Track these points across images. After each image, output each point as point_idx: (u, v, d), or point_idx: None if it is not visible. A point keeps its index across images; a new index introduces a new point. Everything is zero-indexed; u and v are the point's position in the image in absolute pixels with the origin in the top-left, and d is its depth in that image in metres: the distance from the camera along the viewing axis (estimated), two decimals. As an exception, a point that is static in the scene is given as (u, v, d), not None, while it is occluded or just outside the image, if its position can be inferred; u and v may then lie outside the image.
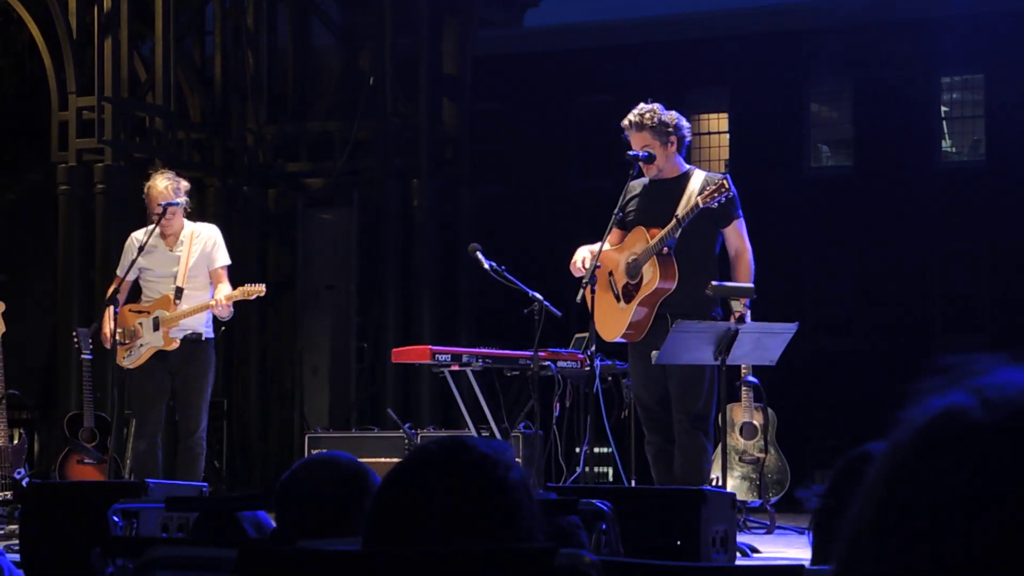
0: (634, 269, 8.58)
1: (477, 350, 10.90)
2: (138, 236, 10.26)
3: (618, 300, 8.66)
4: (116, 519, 5.33)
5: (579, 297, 8.51)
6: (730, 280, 8.57)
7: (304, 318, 17.37)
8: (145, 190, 10.36)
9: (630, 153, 8.69)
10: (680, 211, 8.44)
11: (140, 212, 15.97)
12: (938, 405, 1.23)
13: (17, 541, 8.63)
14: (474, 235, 14.17)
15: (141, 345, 10.09)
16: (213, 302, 10.05)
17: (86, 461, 12.11)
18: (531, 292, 9.74)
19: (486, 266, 9.97)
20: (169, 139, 16.41)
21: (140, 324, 10.10)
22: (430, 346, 10.94)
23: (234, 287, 10.24)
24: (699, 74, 25.17)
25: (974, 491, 1.17)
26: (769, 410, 11.52)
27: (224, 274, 10.26)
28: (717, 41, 25.49)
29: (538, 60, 26.90)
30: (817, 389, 22.72)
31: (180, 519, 5.65)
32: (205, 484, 8.59)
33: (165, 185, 10.21)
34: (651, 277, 8.50)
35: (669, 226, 8.44)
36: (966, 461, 1.18)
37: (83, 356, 12.11)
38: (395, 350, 11.26)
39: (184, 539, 5.13)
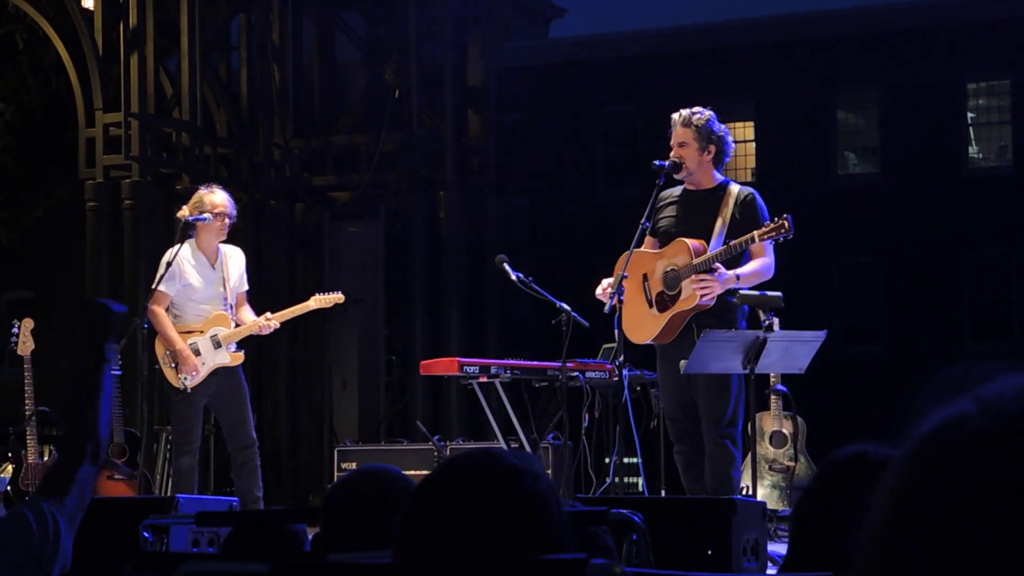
0: (673, 281, 8.54)
1: (505, 361, 10.88)
2: (183, 254, 10.15)
3: (650, 306, 8.63)
4: (147, 535, 5.34)
5: (607, 308, 8.48)
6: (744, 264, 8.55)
7: (332, 331, 17.40)
8: (202, 206, 10.18)
9: (656, 163, 8.68)
10: (733, 241, 8.36)
11: (168, 227, 16.04)
12: (940, 415, 1.23)
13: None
14: (500, 246, 14.19)
15: (203, 363, 10.09)
16: (264, 322, 10.13)
17: (116, 477, 12.14)
18: (558, 303, 9.72)
19: (513, 277, 9.95)
20: (196, 154, 16.46)
21: (196, 344, 10.09)
22: (458, 358, 10.92)
23: (254, 308, 10.34)
24: (724, 83, 25.13)
25: (976, 498, 1.16)
26: (799, 418, 11.49)
27: (247, 298, 10.35)
28: (742, 50, 25.46)
29: (563, 71, 26.90)
30: (846, 397, 22.66)
31: (210, 534, 5.66)
32: (235, 499, 8.60)
33: (224, 198, 10.23)
34: (692, 293, 8.46)
35: (721, 250, 8.38)
36: (966, 469, 1.18)
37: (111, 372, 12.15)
38: (423, 362, 11.25)
39: (215, 554, 5.14)
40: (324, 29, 18.36)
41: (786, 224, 8.28)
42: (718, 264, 8.34)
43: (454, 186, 17.19)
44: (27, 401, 12.04)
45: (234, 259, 10.30)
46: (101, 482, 12.13)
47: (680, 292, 8.51)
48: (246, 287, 10.37)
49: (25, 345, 12.12)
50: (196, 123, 16.42)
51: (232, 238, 10.62)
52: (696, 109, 8.80)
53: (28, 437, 12.11)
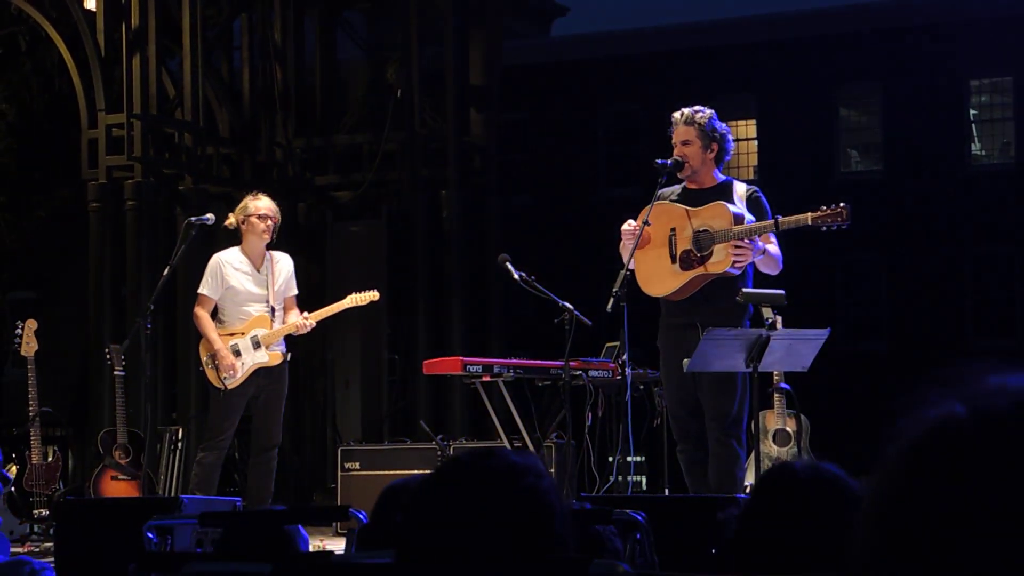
0: (706, 242, 8.47)
1: (508, 360, 10.88)
2: (227, 258, 10.35)
3: (673, 261, 8.58)
4: (151, 535, 5.34)
5: (609, 306, 8.46)
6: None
7: (335, 331, 17.39)
8: (246, 210, 10.39)
9: (658, 161, 8.66)
10: (783, 217, 8.32)
11: (170, 228, 16.04)
12: (931, 417, 1.22)
13: (53, 558, 8.67)
14: (503, 245, 14.17)
15: (243, 364, 10.20)
16: (301, 322, 10.24)
17: (120, 477, 12.15)
18: (561, 301, 9.72)
19: (516, 276, 9.95)
20: (198, 154, 16.45)
21: (237, 345, 10.21)
22: (461, 357, 10.93)
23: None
24: (726, 81, 25.13)
25: (969, 502, 1.16)
26: (802, 416, 11.48)
27: (295, 302, 10.44)
28: (744, 47, 25.47)
29: (565, 69, 26.91)
30: (850, 395, 22.66)
31: (214, 534, 5.66)
32: (239, 499, 8.61)
33: (267, 202, 10.41)
34: (723, 258, 8.41)
35: (767, 223, 8.35)
36: (959, 473, 1.17)
37: (115, 372, 12.16)
38: (426, 362, 11.25)
39: (216, 553, 5.14)
40: (326, 29, 18.35)
41: (845, 213, 8.25)
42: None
43: (456, 185, 17.17)
44: (31, 402, 12.05)
45: (281, 264, 10.50)
46: (105, 482, 12.14)
47: (711, 255, 8.46)
48: (295, 291, 10.57)
49: (28, 346, 12.13)
50: (198, 123, 16.40)
51: (233, 238, 10.67)
52: (697, 107, 8.78)
53: (32, 437, 12.12)
